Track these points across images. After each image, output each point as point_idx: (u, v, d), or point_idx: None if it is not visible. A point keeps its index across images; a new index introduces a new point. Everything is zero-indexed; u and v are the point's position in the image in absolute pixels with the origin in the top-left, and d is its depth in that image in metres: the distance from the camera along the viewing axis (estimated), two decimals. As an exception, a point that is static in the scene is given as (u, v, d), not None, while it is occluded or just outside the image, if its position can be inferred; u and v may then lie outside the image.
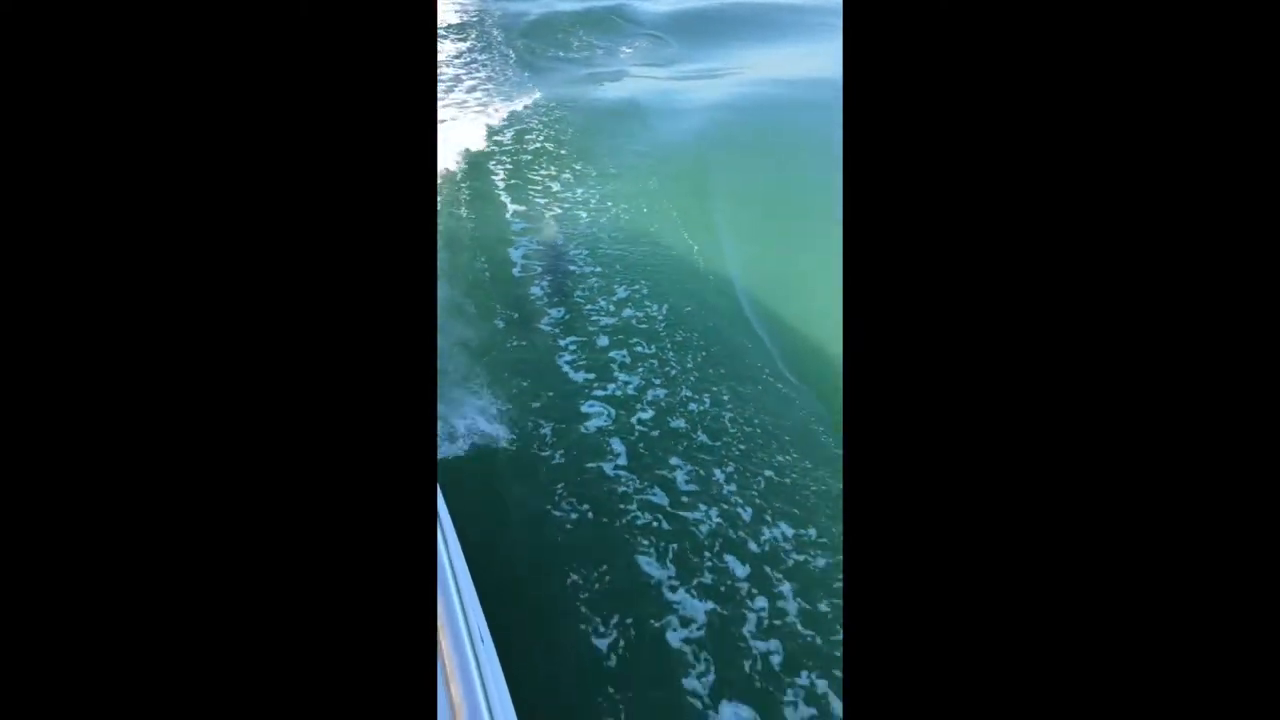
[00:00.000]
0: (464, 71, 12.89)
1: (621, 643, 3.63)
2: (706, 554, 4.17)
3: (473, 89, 11.85)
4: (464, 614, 1.53)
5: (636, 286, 6.76)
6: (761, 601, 3.94)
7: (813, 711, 3.41)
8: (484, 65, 13.43)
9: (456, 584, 1.60)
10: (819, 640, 3.73)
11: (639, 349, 5.88)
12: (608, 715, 3.28)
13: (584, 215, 7.98)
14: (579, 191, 8.57)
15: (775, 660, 3.64)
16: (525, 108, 10.67)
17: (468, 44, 15.11)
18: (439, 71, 12.64)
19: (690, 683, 3.49)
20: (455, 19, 17.58)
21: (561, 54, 15.10)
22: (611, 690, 3.40)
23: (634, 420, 5.09)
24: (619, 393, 5.33)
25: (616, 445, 4.83)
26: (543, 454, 4.67)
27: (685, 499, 4.53)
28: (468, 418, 4.72)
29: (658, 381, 5.55)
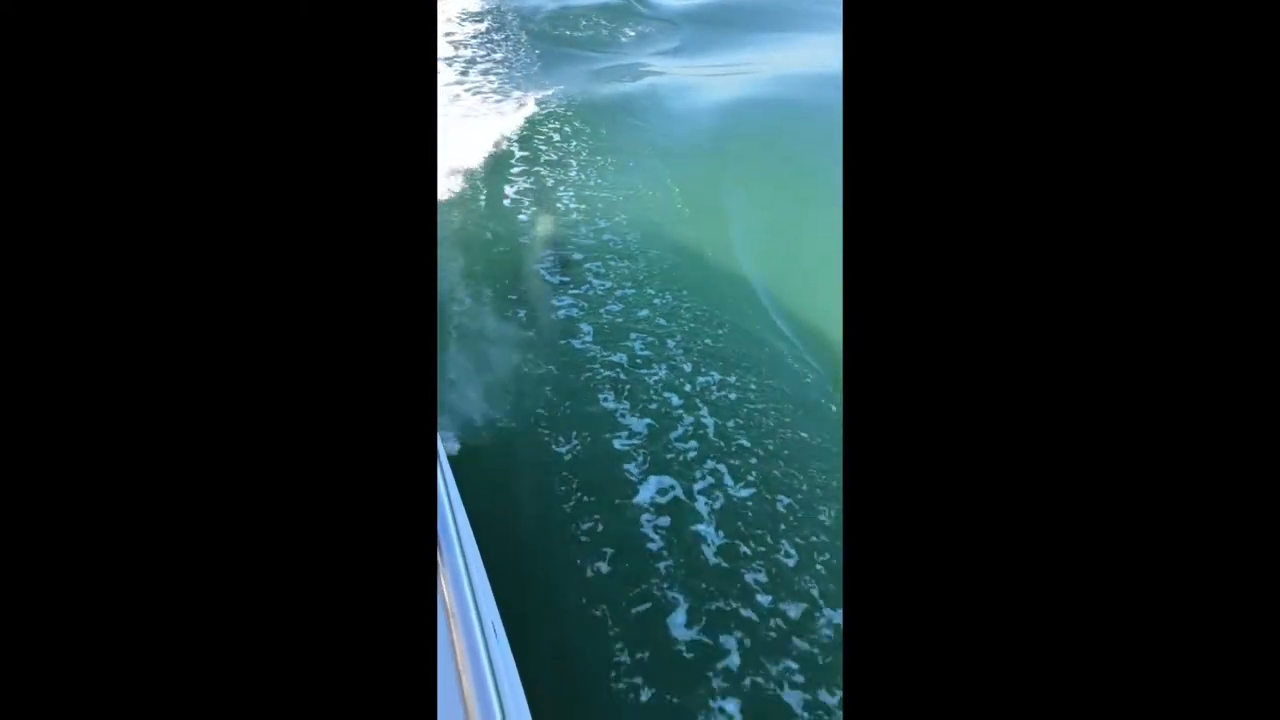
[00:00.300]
0: (481, 52, 14.27)
1: (578, 447, 5.07)
2: (652, 393, 5.58)
3: (487, 71, 13.19)
4: (476, 607, 1.55)
5: (617, 219, 8.12)
6: (688, 419, 5.34)
7: (712, 480, 4.80)
8: (500, 45, 14.79)
9: (470, 578, 1.62)
10: (723, 443, 5.12)
11: (613, 263, 7.27)
12: (563, 486, 4.73)
13: (574, 163, 9.36)
14: (573, 144, 9.94)
15: (691, 454, 5.04)
16: (539, 99, 11.35)
17: (485, 24, 16.43)
18: (457, 51, 14.02)
19: (628, 467, 4.92)
20: (476, 6, 18.89)
21: (571, 32, 16.21)
22: (566, 474, 4.84)
23: (602, 311, 6.50)
24: (591, 292, 6.75)
25: (585, 327, 6.26)
26: (519, 330, 6.13)
27: (640, 360, 5.94)
28: (463, 302, 6.24)
29: (628, 284, 6.94)
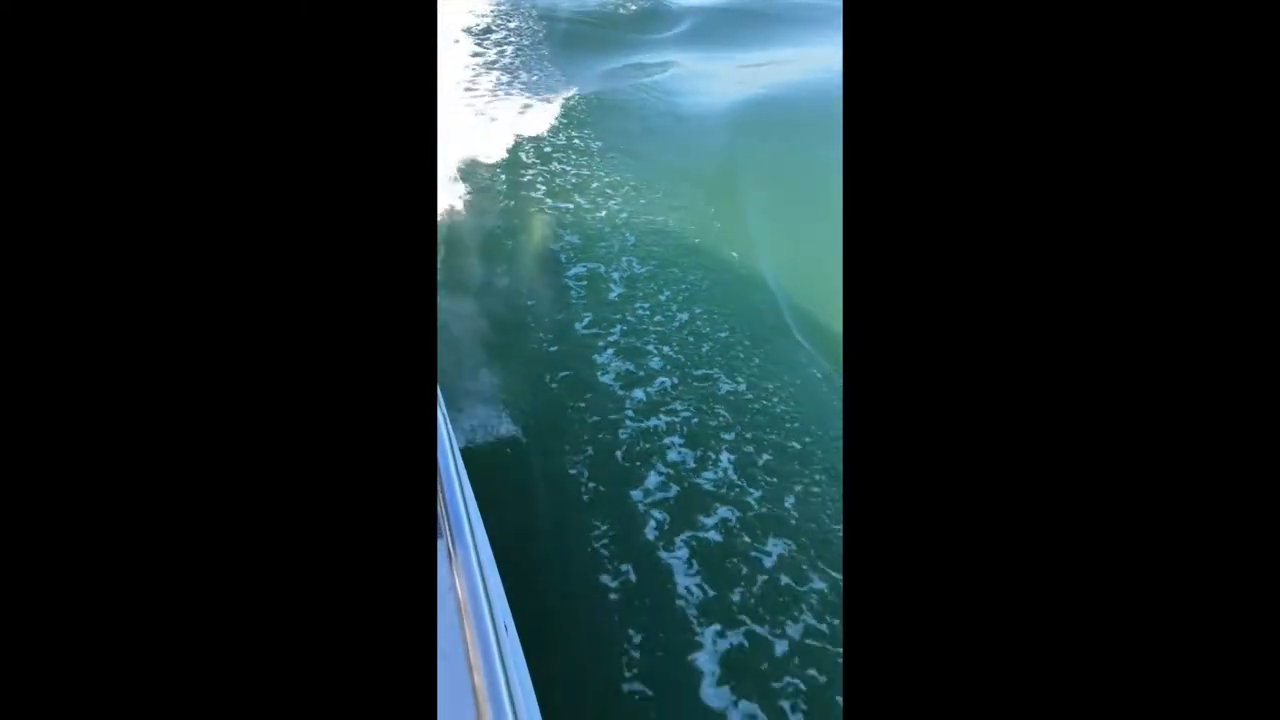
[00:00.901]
0: (497, 24, 16.70)
1: (528, 274, 7.44)
2: (599, 238, 7.96)
3: (501, 41, 15.54)
4: (489, 603, 1.57)
5: (586, 131, 10.52)
6: (625, 261, 7.67)
7: (622, 288, 7.13)
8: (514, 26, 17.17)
9: (483, 576, 1.65)
10: (643, 272, 7.39)
11: (575, 157, 9.69)
12: (523, 300, 7.09)
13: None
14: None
15: (614, 293, 7.37)
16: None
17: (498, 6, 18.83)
18: (475, 22, 16.45)
19: (566, 276, 7.30)
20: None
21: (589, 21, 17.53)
22: (525, 310, 7.16)
23: (556, 181, 8.92)
24: (553, 170, 9.17)
25: (541, 188, 8.69)
26: (495, 197, 8.59)
27: (586, 211, 8.33)
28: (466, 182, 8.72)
29: (584, 167, 9.33)
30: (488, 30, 16.06)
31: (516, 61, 14.12)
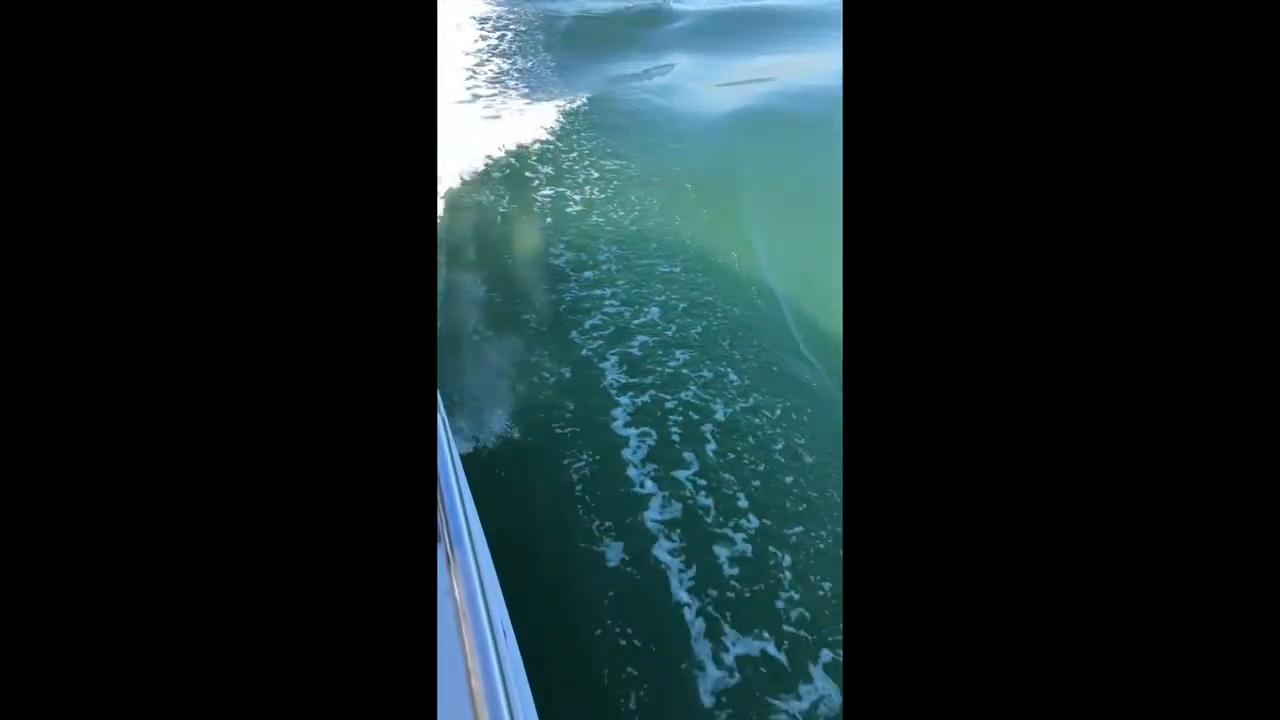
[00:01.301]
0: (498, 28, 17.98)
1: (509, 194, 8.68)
2: (569, 170, 9.19)
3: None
4: (487, 609, 1.59)
5: (578, 103, 11.78)
6: (589, 189, 8.92)
7: (581, 206, 8.37)
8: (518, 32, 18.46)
9: (481, 581, 1.67)
10: (603, 197, 8.68)
11: (562, 116, 10.95)
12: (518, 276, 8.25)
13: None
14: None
15: (574, 209, 8.63)
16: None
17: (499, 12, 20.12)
18: (481, 9, 17.71)
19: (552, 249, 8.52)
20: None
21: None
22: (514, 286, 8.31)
23: (540, 131, 10.16)
24: (545, 134, 10.42)
25: (529, 135, 9.93)
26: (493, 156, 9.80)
27: (563, 151, 9.56)
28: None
29: (567, 129, 10.58)
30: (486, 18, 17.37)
31: (514, 47, 15.45)
